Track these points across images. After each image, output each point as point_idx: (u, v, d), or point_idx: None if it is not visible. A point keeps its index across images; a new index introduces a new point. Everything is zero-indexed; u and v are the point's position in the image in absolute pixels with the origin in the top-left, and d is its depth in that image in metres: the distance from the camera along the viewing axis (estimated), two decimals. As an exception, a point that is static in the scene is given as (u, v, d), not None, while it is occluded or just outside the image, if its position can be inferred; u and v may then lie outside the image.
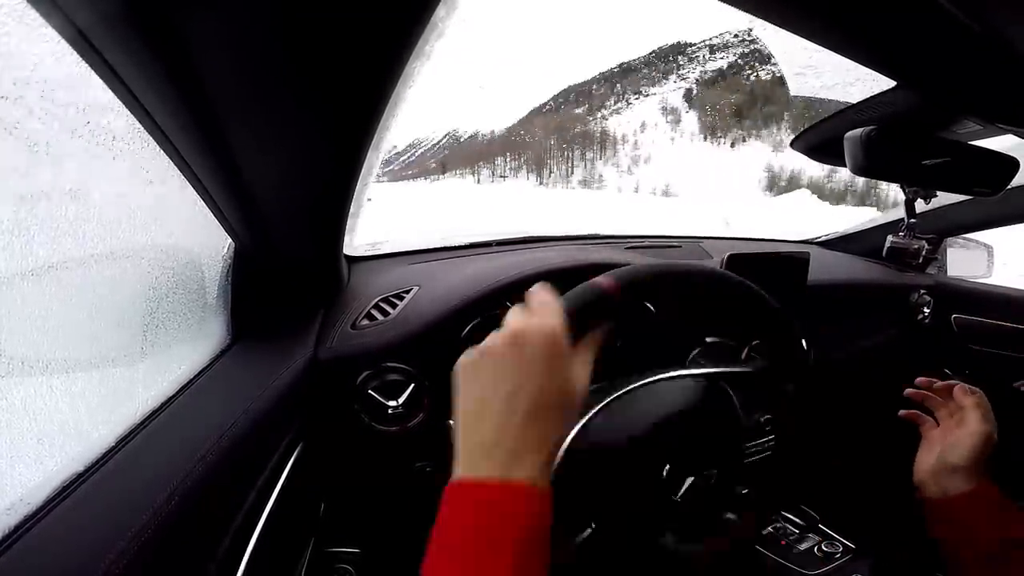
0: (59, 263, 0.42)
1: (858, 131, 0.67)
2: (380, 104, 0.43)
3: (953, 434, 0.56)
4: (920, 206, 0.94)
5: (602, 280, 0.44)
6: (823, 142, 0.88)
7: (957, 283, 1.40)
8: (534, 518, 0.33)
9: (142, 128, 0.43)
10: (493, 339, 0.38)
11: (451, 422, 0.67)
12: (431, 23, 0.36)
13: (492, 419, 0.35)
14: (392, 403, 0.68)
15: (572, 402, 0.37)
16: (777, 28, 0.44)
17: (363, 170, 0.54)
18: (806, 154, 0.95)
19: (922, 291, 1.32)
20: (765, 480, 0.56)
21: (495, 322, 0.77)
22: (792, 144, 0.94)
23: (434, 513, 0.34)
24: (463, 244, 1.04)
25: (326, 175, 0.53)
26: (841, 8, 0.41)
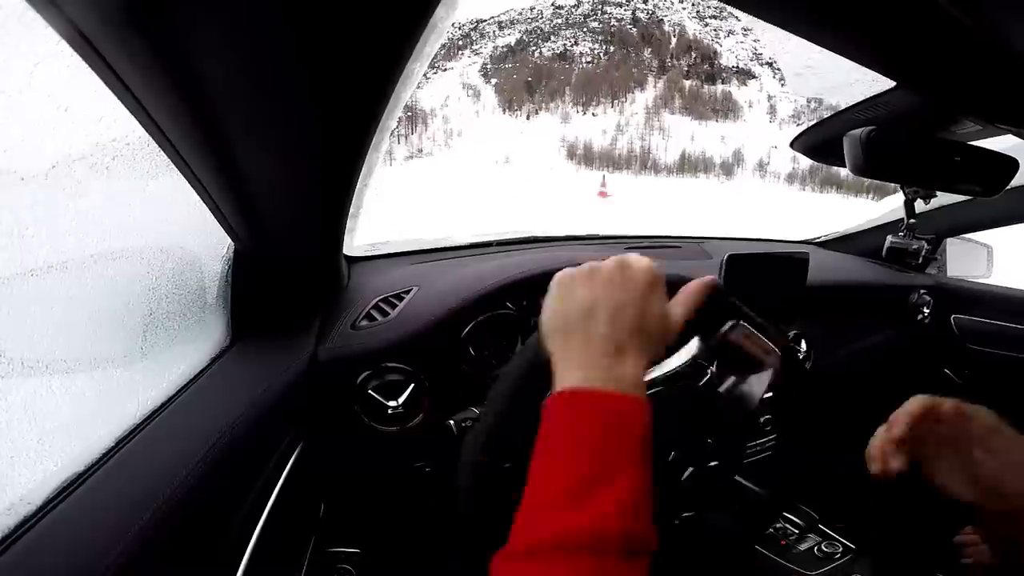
0: (59, 263, 0.42)
1: (858, 131, 0.67)
2: (380, 105, 0.43)
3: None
4: (920, 206, 0.94)
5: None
6: (823, 142, 0.88)
7: (957, 283, 1.40)
8: (647, 429, 0.34)
9: (142, 128, 0.43)
10: (597, 263, 0.40)
11: (450, 422, 0.68)
12: (431, 24, 0.36)
13: (600, 327, 0.36)
14: (392, 403, 0.68)
15: (666, 335, 0.38)
16: (777, 28, 0.44)
17: (363, 170, 0.54)
18: (806, 154, 0.95)
19: (922, 291, 1.32)
20: (766, 479, 0.56)
21: (495, 322, 0.78)
22: (792, 144, 0.94)
23: (433, 513, 0.34)
24: (463, 244, 1.04)
25: (326, 176, 0.53)
26: (841, 8, 0.41)
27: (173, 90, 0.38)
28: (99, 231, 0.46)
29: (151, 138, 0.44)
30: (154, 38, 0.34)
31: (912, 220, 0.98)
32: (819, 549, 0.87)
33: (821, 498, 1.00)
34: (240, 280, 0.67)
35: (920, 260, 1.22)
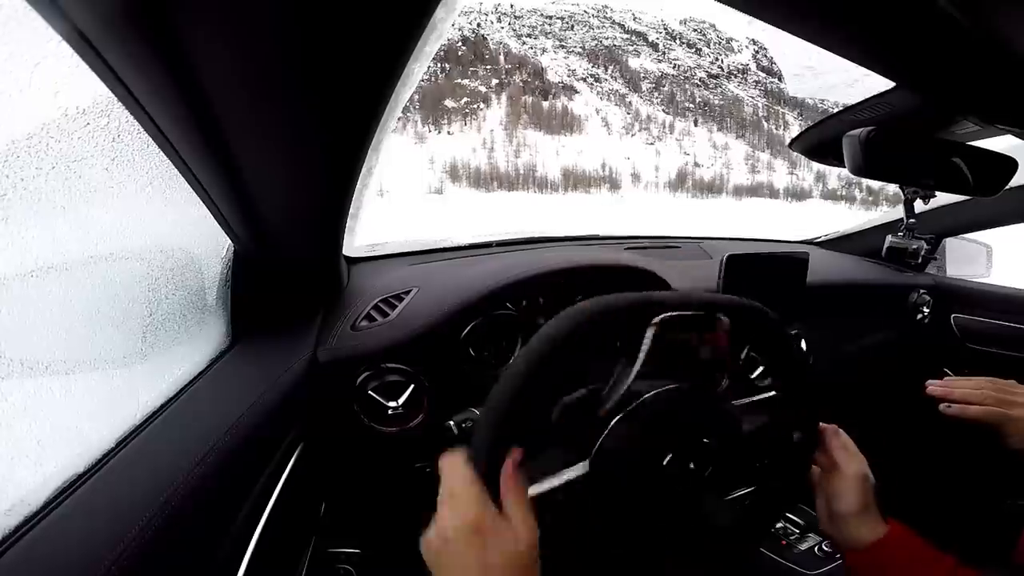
0: (59, 264, 0.42)
1: (857, 131, 0.67)
2: (379, 105, 0.43)
3: (832, 482, 0.54)
4: (920, 206, 0.94)
5: None
6: (822, 142, 0.88)
7: (956, 283, 1.40)
8: None
9: (142, 129, 0.43)
10: (431, 533, 0.38)
11: (450, 423, 0.68)
12: (430, 24, 0.36)
13: None
14: (392, 404, 0.68)
15: (524, 563, 0.37)
16: (777, 28, 0.44)
17: (362, 171, 0.54)
18: (805, 154, 0.95)
19: (921, 291, 1.32)
20: (774, 477, 0.56)
21: (494, 323, 0.78)
22: (791, 144, 0.94)
23: (434, 512, 0.34)
24: (463, 245, 1.04)
25: (325, 176, 0.53)
26: (840, 8, 0.41)
27: (173, 91, 0.38)
28: (99, 232, 0.46)
29: (151, 139, 0.44)
30: (153, 38, 0.34)
31: (912, 220, 0.98)
32: (820, 549, 0.87)
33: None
34: (240, 281, 0.67)
35: (920, 260, 1.22)
